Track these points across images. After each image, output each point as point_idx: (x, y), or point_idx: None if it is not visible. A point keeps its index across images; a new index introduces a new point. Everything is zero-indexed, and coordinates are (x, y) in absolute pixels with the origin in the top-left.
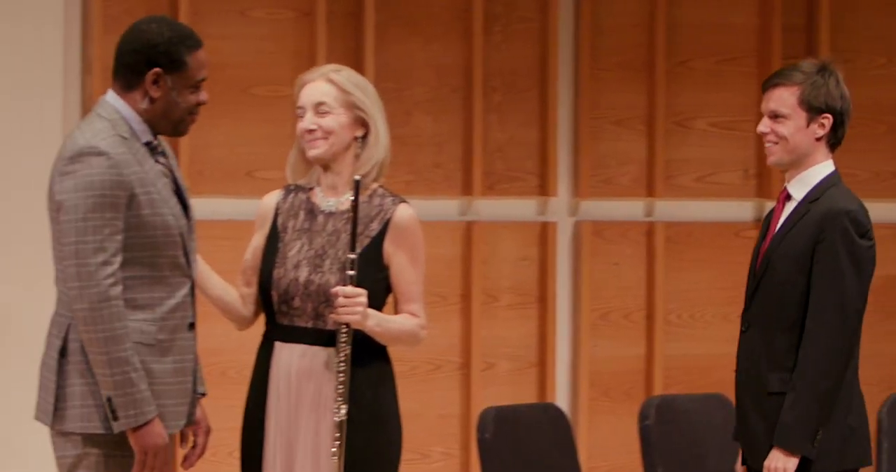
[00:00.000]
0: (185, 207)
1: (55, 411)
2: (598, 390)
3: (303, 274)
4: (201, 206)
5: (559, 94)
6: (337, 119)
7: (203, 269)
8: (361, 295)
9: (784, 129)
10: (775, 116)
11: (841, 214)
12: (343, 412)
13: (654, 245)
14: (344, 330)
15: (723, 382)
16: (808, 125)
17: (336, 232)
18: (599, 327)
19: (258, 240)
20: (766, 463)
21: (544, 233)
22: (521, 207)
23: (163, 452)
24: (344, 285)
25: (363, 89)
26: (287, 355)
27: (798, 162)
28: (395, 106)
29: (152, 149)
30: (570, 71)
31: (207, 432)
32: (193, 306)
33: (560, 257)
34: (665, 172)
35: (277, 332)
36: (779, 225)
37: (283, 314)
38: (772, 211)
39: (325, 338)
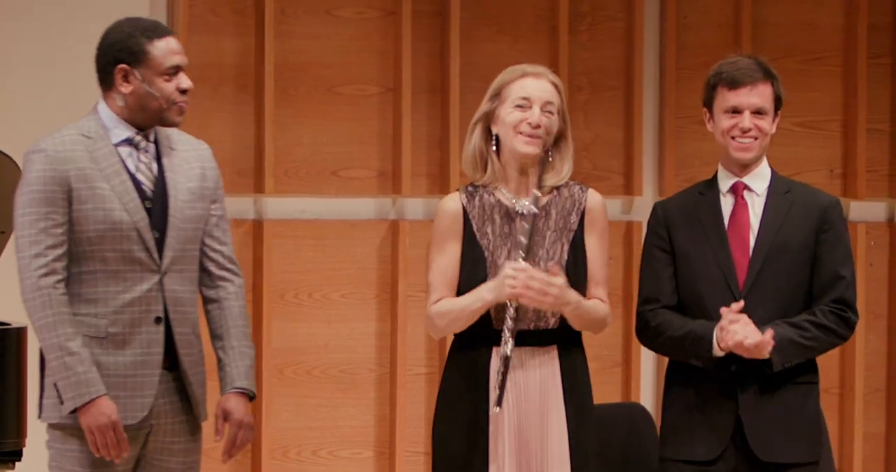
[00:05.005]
0: (163, 203)
1: (39, 403)
2: None
3: None
4: (287, 205)
5: (644, 93)
6: (554, 124)
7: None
8: (555, 282)
9: (766, 124)
10: (758, 112)
11: (836, 205)
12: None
13: None
14: (512, 314)
15: None
16: (773, 120)
17: (539, 232)
18: None
19: (454, 250)
20: (752, 340)
21: (629, 232)
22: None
23: (109, 430)
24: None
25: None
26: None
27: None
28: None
29: (134, 145)
30: (655, 70)
31: (239, 425)
32: (164, 301)
33: None
34: None
35: (496, 337)
36: (758, 218)
37: (500, 321)
38: (688, 202)
39: (548, 337)
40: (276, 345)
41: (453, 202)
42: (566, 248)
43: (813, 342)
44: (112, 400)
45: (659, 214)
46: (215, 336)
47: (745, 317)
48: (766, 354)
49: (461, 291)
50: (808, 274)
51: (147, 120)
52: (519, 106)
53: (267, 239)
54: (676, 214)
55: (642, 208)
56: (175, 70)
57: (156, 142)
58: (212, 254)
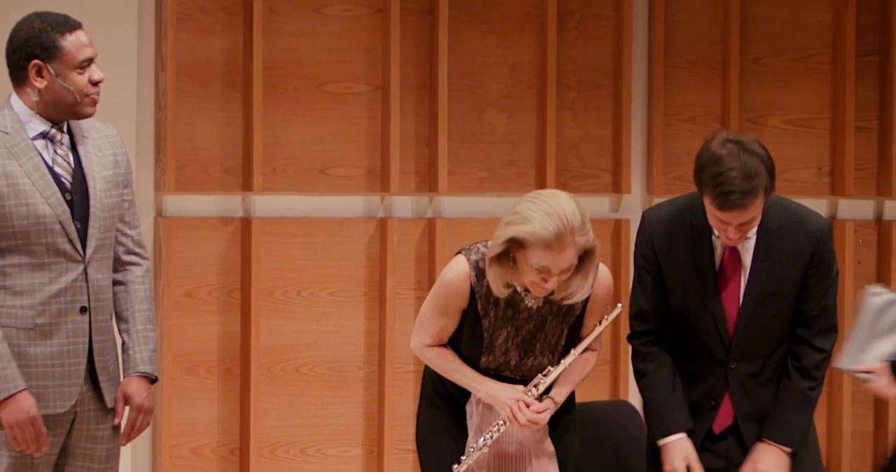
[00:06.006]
0: (83, 193)
1: None
2: None
3: (513, 359)
4: (275, 203)
5: (633, 91)
6: (571, 271)
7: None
8: (545, 411)
9: (755, 224)
10: (747, 223)
11: (826, 235)
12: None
13: None
14: (503, 423)
15: None
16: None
17: (542, 317)
18: None
19: (454, 318)
20: (769, 465)
21: (617, 230)
22: (594, 205)
23: (29, 426)
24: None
25: (590, 227)
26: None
27: None
28: (468, 103)
29: (50, 139)
30: (644, 68)
31: (139, 409)
32: (88, 291)
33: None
34: None
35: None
36: (749, 263)
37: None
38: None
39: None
40: (264, 343)
41: (462, 282)
42: (565, 333)
43: (812, 410)
44: (39, 390)
45: (647, 234)
46: (120, 318)
47: None
48: None
49: (458, 352)
50: (790, 310)
51: (61, 114)
52: (538, 270)
53: (255, 237)
54: (667, 246)
55: (631, 206)
56: (87, 62)
57: (69, 132)
58: (122, 238)
